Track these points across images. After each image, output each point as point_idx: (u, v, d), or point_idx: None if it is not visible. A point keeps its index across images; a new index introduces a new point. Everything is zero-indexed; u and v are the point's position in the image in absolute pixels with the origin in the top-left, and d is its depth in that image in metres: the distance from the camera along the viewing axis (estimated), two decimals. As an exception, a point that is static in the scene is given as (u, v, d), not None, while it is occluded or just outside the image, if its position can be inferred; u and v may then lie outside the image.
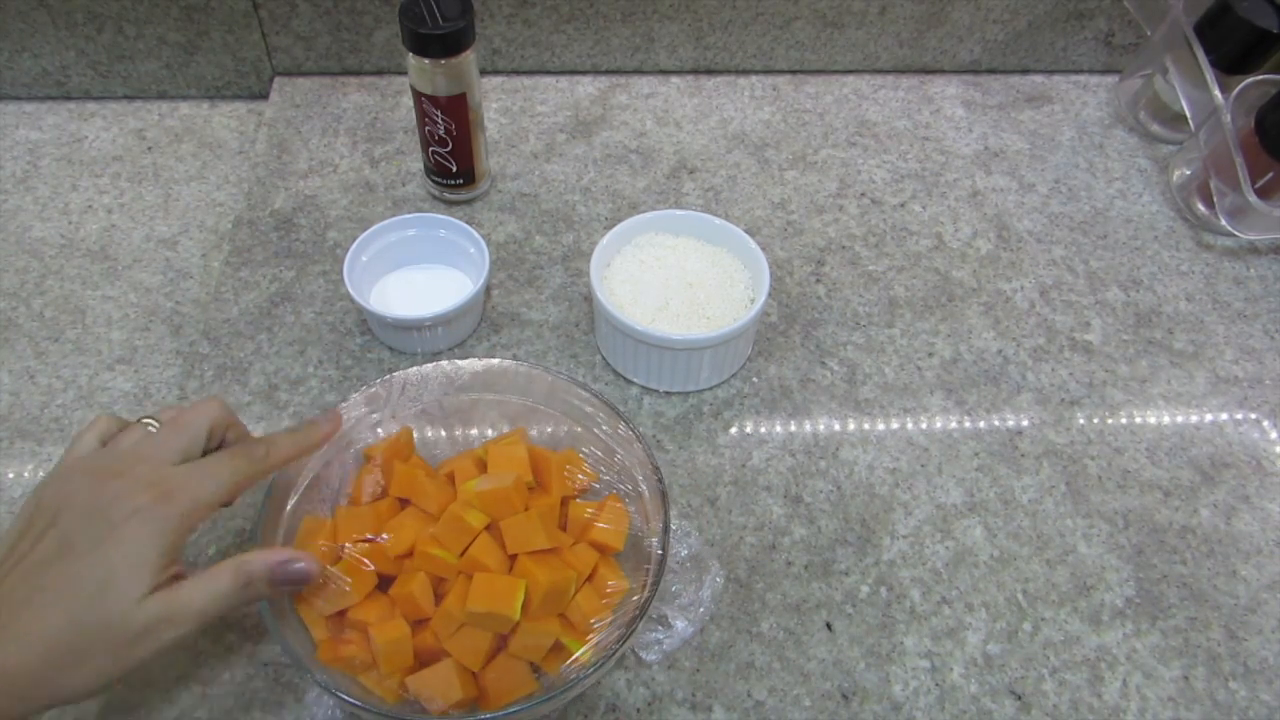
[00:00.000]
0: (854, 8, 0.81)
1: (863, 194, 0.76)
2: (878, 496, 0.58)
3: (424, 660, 0.45)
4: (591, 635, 0.46)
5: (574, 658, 0.46)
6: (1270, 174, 0.70)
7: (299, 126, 0.78)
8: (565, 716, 0.49)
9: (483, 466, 0.50)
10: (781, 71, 0.86)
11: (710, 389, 0.63)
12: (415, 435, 0.53)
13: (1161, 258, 0.74)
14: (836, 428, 0.62)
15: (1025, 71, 0.88)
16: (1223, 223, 0.73)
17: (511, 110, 0.81)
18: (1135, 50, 0.86)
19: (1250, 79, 0.71)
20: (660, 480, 0.49)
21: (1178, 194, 0.78)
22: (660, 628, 0.51)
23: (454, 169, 0.70)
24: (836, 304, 0.68)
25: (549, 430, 0.54)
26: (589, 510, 0.50)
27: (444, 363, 0.54)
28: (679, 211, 0.65)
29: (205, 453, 0.45)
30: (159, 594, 0.39)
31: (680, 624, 0.51)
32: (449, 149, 0.68)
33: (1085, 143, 0.82)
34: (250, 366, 0.62)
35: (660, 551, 0.47)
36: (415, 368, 0.53)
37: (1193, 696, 0.52)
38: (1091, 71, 0.88)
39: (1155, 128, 0.83)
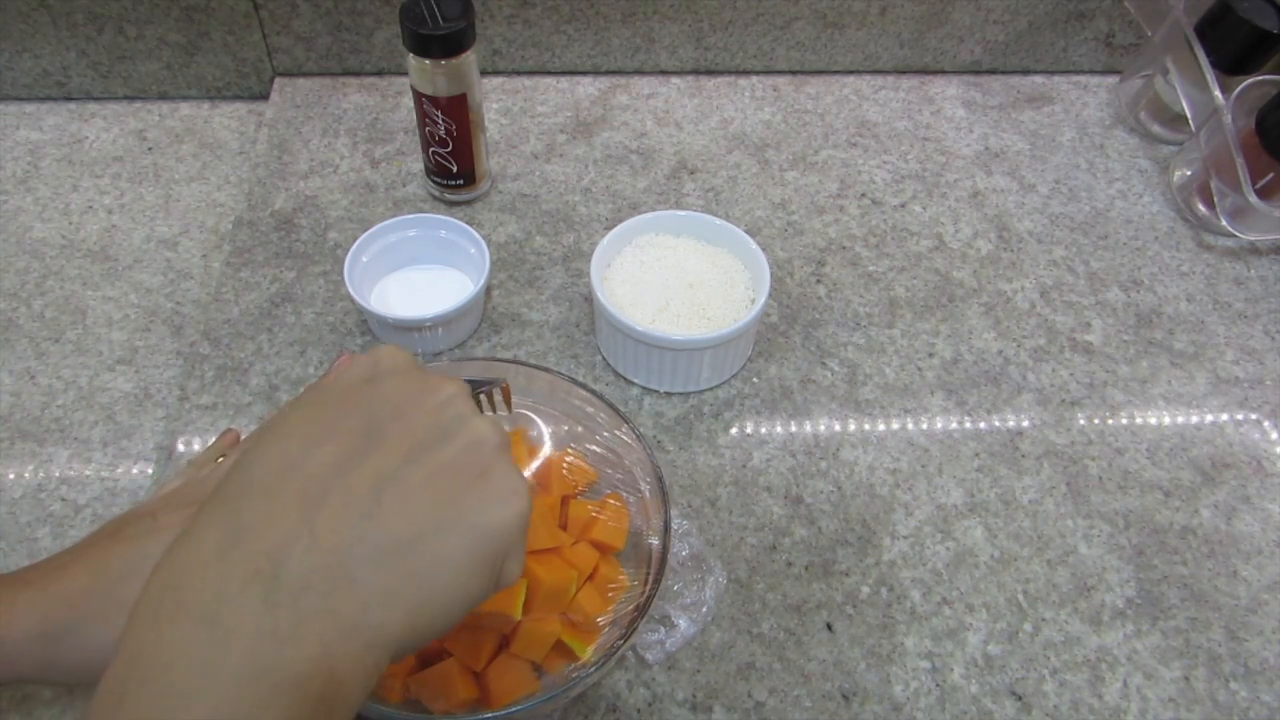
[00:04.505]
0: (854, 8, 0.81)
1: (863, 194, 0.76)
2: (878, 497, 0.58)
3: (426, 660, 0.45)
4: (593, 634, 0.46)
5: (576, 657, 0.46)
6: (1271, 174, 0.70)
7: (299, 127, 0.78)
8: (566, 717, 0.49)
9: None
10: (782, 72, 0.86)
11: (710, 389, 0.63)
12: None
13: (1162, 258, 0.74)
14: (837, 428, 0.62)
15: (1026, 72, 0.88)
16: (1223, 223, 0.73)
17: (512, 111, 0.81)
18: (1136, 51, 0.86)
19: (1251, 79, 0.71)
20: (660, 479, 0.49)
21: (1178, 194, 0.78)
22: (663, 627, 0.51)
23: (454, 169, 0.70)
24: (837, 304, 0.68)
25: (549, 430, 0.54)
26: (590, 509, 0.50)
27: (444, 363, 0.54)
28: (679, 212, 0.65)
29: None
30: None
31: (683, 623, 0.51)
32: (449, 149, 0.68)
33: (1086, 143, 0.82)
34: (251, 367, 0.62)
35: (661, 549, 0.47)
36: (416, 368, 0.53)
37: (1193, 697, 0.52)
38: (1092, 72, 0.88)
39: (1156, 128, 0.83)
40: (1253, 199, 0.68)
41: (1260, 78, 0.71)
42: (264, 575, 0.28)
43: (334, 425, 0.32)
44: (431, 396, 0.34)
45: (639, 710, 0.49)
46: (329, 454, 0.31)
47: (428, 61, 0.63)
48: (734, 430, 0.61)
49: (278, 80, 0.82)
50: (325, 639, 0.28)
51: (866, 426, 0.62)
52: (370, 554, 0.29)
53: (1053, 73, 0.88)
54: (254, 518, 0.29)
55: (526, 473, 0.50)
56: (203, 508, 0.30)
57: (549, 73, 0.84)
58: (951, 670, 0.52)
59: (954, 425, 0.62)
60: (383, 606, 0.29)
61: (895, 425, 0.62)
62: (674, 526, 0.53)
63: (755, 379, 0.64)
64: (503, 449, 0.34)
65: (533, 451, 0.51)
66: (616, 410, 0.52)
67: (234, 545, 0.28)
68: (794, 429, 0.61)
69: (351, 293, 0.61)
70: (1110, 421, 0.63)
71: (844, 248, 0.72)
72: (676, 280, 0.62)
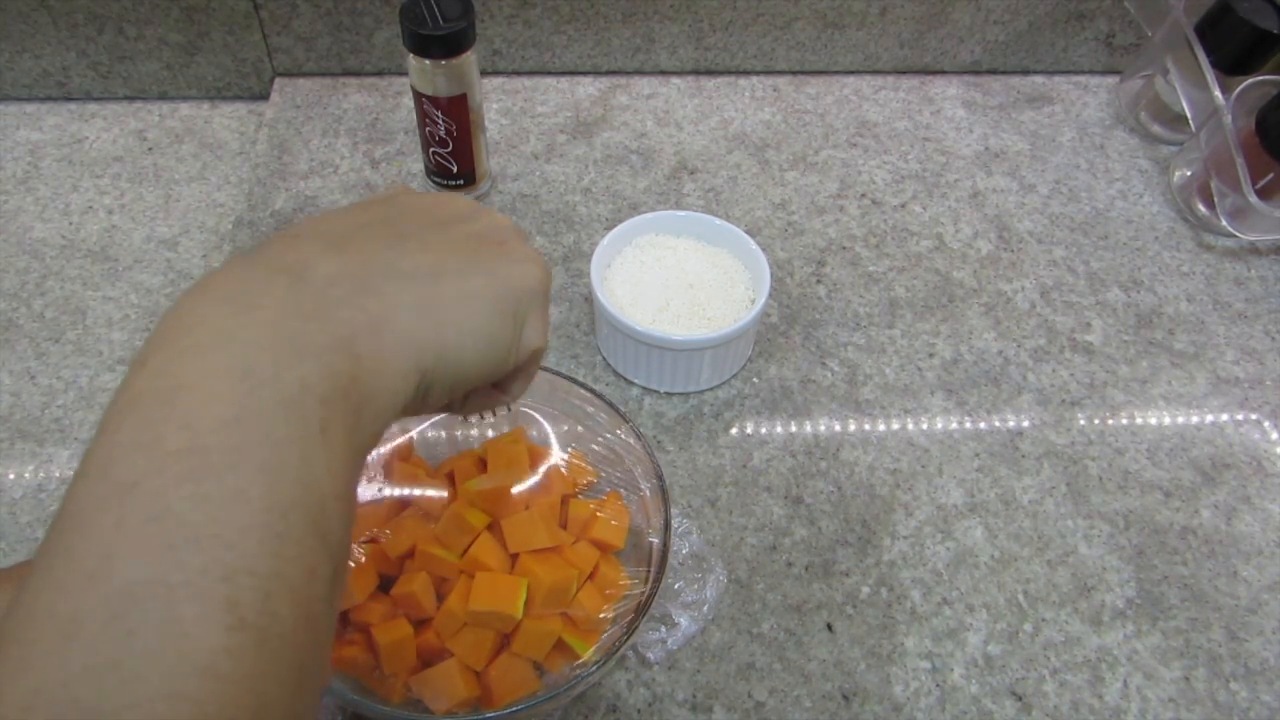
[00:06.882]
0: (854, 8, 0.81)
1: (863, 195, 0.76)
2: (878, 497, 0.58)
3: (427, 660, 0.45)
4: (594, 633, 0.46)
5: (577, 656, 0.46)
6: (1271, 175, 0.70)
7: (300, 127, 0.78)
8: (566, 717, 0.49)
9: (483, 466, 0.50)
10: (782, 72, 0.86)
11: (711, 390, 0.63)
12: (415, 435, 0.53)
13: (1162, 258, 0.74)
14: (837, 428, 0.62)
15: (1026, 72, 0.88)
16: (1223, 223, 0.73)
17: (512, 111, 0.81)
18: (1136, 51, 0.86)
19: (1251, 79, 0.71)
20: (661, 478, 0.49)
21: (1178, 195, 0.78)
22: (664, 626, 0.51)
23: (455, 170, 0.70)
24: (837, 305, 0.68)
25: (549, 430, 0.54)
26: (590, 507, 0.50)
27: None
28: (679, 212, 0.65)
29: None
30: None
31: (684, 621, 0.51)
32: (450, 150, 0.68)
33: (1086, 143, 0.82)
34: (251, 367, 0.62)
35: (662, 547, 0.47)
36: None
37: (1193, 697, 0.52)
38: (1092, 72, 0.89)
39: (1156, 128, 0.83)
40: (1253, 199, 0.68)
41: (1260, 78, 0.71)
42: (291, 271, 0.28)
43: (357, 209, 0.33)
44: (450, 199, 0.36)
45: (639, 710, 0.49)
46: (353, 219, 0.32)
47: (428, 61, 0.63)
48: (734, 430, 0.61)
49: (278, 80, 0.82)
50: (352, 326, 0.27)
51: (866, 426, 0.62)
52: (395, 275, 0.30)
53: (1053, 73, 0.88)
54: (281, 248, 0.30)
55: (534, 478, 0.50)
56: None
57: (549, 73, 0.84)
58: (951, 670, 0.52)
59: (954, 425, 0.62)
60: (410, 314, 0.29)
61: (895, 425, 0.62)
62: (674, 525, 0.53)
63: (755, 379, 0.64)
64: (520, 235, 0.35)
65: (534, 451, 0.51)
66: (617, 410, 0.52)
67: (260, 258, 0.29)
68: (794, 429, 0.61)
69: (352, 293, 0.60)
70: (1110, 422, 0.63)
71: (844, 248, 0.72)
72: (676, 280, 0.62)
